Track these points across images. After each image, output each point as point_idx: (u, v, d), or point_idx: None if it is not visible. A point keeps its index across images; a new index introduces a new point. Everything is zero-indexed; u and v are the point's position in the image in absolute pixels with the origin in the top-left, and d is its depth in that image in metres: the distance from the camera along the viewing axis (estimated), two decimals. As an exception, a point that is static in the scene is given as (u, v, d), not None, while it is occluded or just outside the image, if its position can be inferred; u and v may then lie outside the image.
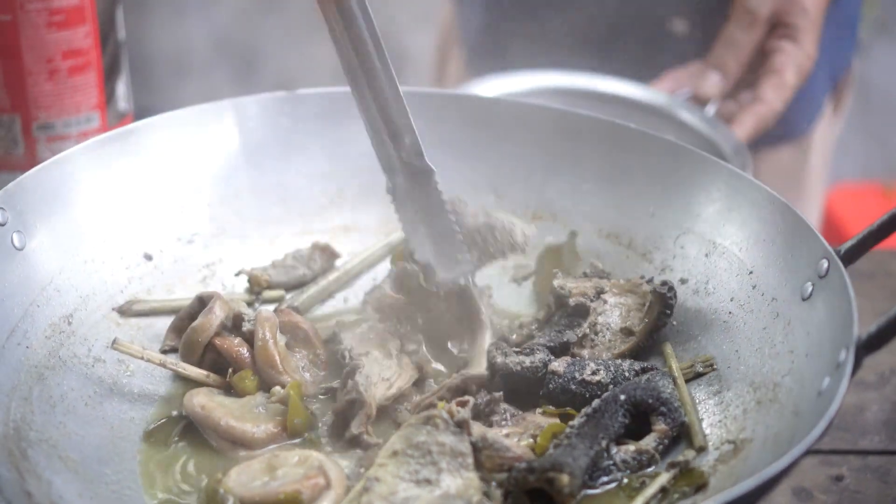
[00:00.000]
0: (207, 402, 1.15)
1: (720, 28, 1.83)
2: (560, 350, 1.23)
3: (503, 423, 1.16)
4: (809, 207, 2.16)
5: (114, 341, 1.19)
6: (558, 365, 1.19)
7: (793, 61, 1.76)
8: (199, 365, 1.22)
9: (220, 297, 1.25)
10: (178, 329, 1.26)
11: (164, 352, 1.26)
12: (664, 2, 2.00)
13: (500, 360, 1.20)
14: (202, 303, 1.26)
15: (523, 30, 2.07)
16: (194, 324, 1.23)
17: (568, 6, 2.03)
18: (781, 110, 1.76)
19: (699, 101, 1.79)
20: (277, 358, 1.20)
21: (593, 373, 1.18)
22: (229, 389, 1.20)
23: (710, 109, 1.77)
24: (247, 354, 1.22)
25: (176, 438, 1.16)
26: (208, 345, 1.22)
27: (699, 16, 1.99)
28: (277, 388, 1.18)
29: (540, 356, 1.20)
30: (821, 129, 2.12)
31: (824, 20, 1.88)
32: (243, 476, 1.07)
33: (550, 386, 1.19)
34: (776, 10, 1.78)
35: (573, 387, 1.18)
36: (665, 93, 1.81)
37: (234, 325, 1.24)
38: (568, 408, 1.17)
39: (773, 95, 1.75)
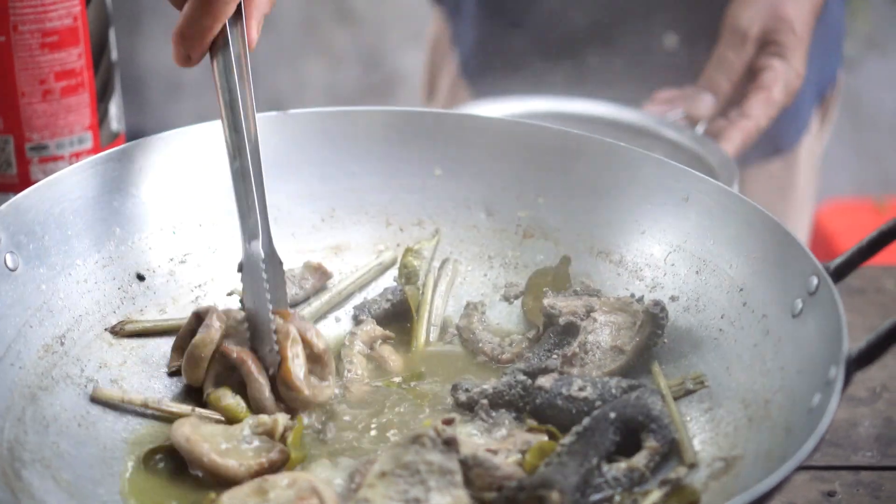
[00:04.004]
0: (192, 435, 1.13)
1: (709, 46, 1.84)
2: (540, 375, 1.23)
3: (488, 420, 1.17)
4: (799, 221, 2.17)
5: (93, 391, 1.19)
6: (545, 381, 1.20)
7: (781, 78, 1.78)
8: (205, 381, 1.22)
9: (216, 310, 1.24)
10: (181, 348, 1.26)
11: (171, 373, 1.26)
12: (655, 20, 2.01)
13: (463, 398, 1.21)
14: (199, 319, 1.25)
15: (517, 45, 2.08)
16: (194, 340, 1.22)
17: (561, 24, 2.05)
18: (767, 126, 1.77)
19: (691, 122, 1.79)
20: (301, 381, 1.19)
21: (580, 389, 1.19)
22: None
23: (700, 128, 1.78)
24: (252, 364, 1.20)
25: (169, 461, 1.15)
26: (212, 359, 1.22)
27: (688, 34, 2.00)
28: (264, 416, 1.16)
29: (506, 379, 1.20)
30: (807, 143, 2.13)
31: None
32: (235, 500, 1.06)
33: (537, 401, 1.19)
34: (765, 29, 1.79)
35: (559, 402, 1.18)
36: (657, 114, 1.82)
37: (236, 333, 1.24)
38: (549, 425, 1.17)
39: (759, 111, 1.76)
